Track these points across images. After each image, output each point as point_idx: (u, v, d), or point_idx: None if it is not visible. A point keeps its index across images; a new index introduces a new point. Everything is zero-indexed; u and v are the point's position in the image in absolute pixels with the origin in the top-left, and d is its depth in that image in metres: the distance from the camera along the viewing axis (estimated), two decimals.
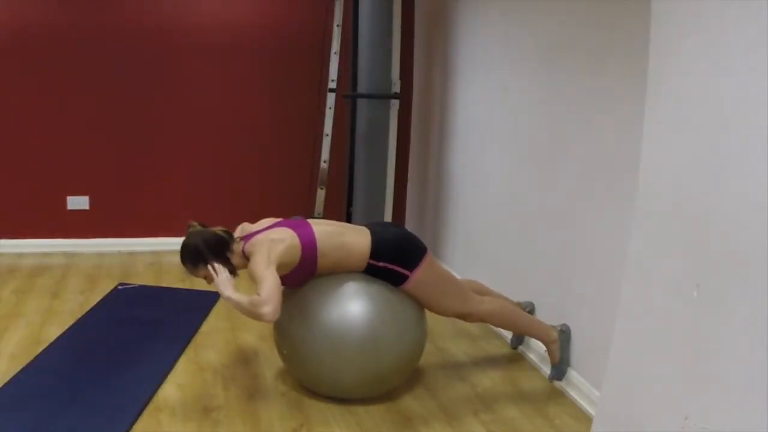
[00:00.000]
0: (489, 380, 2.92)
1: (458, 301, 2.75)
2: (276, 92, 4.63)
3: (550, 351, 2.85)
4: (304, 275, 2.59)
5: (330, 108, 4.22)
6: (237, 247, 2.58)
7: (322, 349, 2.54)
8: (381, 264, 2.59)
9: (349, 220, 4.00)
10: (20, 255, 4.40)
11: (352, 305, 2.55)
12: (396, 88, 4.00)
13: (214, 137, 4.61)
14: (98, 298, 3.65)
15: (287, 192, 4.69)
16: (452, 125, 4.10)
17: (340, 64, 4.21)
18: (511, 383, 2.90)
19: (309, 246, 2.53)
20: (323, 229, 2.60)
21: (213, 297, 3.75)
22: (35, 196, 4.45)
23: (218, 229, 2.59)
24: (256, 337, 3.28)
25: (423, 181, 4.62)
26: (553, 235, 2.97)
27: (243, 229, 2.68)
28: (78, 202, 4.51)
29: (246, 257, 2.53)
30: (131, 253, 4.55)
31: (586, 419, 2.60)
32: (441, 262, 4.14)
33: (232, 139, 4.64)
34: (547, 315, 3.00)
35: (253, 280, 2.44)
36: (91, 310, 3.49)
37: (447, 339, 3.33)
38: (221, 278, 2.47)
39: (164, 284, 3.96)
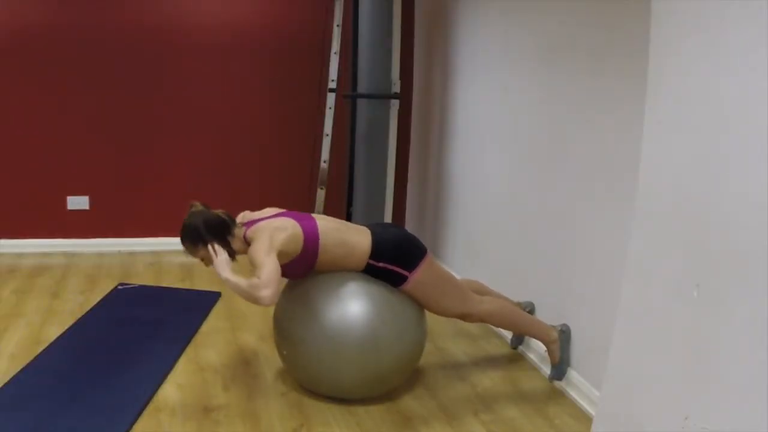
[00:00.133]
0: (489, 380, 2.92)
1: (458, 302, 2.75)
2: (276, 92, 4.63)
3: (550, 351, 2.85)
4: (303, 267, 2.58)
5: (330, 108, 4.22)
6: (238, 231, 2.57)
7: (322, 349, 2.54)
8: (381, 264, 2.59)
9: (349, 220, 4.00)
10: (20, 255, 4.40)
11: (352, 305, 2.55)
12: (396, 88, 4.00)
13: (214, 137, 4.61)
14: (98, 298, 3.65)
15: (287, 192, 4.69)
16: (452, 125, 4.10)
17: (340, 64, 4.21)
18: (511, 383, 2.90)
19: (311, 238, 2.53)
20: (326, 225, 2.60)
21: (213, 297, 3.75)
22: (35, 196, 4.45)
23: (220, 212, 2.58)
24: (256, 337, 3.28)
25: (423, 181, 4.62)
26: (553, 235, 2.97)
27: (244, 216, 2.68)
28: (78, 202, 4.51)
29: (247, 242, 2.53)
30: (131, 253, 4.55)
31: (586, 419, 2.60)
32: (441, 262, 4.14)
33: (232, 139, 4.64)
34: (547, 315, 3.00)
35: (253, 265, 2.43)
36: (91, 310, 3.49)
37: (447, 339, 3.33)
38: (220, 259, 2.47)
39: (164, 284, 3.96)
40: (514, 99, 3.34)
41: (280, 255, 2.44)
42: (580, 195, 2.76)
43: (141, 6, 4.33)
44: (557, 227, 2.94)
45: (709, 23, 1.55)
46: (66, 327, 3.24)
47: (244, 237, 2.55)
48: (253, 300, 2.36)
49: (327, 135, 4.24)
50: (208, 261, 2.56)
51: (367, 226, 2.72)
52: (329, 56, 4.25)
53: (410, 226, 4.80)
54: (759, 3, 1.39)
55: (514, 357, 3.17)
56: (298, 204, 4.71)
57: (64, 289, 3.83)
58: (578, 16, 2.74)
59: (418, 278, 2.63)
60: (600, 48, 2.61)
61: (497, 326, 3.25)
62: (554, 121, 2.96)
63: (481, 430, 2.51)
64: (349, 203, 4.06)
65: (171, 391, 2.72)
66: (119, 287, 3.85)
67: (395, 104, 4.04)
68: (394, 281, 2.62)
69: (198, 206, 2.62)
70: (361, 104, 3.93)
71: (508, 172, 3.41)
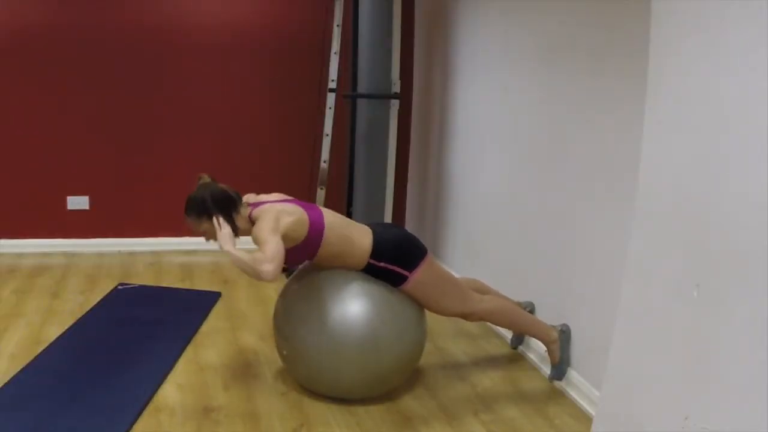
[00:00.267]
0: (489, 380, 2.92)
1: (458, 301, 2.75)
2: (276, 92, 4.63)
3: (550, 351, 2.85)
4: (303, 255, 2.58)
5: (330, 108, 4.22)
6: (244, 210, 2.57)
7: (322, 349, 2.54)
8: (381, 264, 2.59)
9: None
10: (20, 255, 4.40)
11: (352, 305, 2.55)
12: (396, 88, 4.00)
13: (214, 137, 4.61)
14: (98, 298, 3.65)
15: (287, 192, 4.66)
16: (452, 125, 4.10)
17: (340, 64, 4.21)
18: (511, 383, 2.90)
19: (316, 227, 2.53)
20: (332, 218, 2.60)
21: (213, 297, 3.75)
22: (35, 196, 4.45)
23: (228, 188, 2.58)
24: (256, 337, 3.28)
25: (423, 181, 4.62)
26: (553, 235, 2.97)
27: (249, 198, 2.67)
28: (78, 202, 4.51)
29: (251, 222, 2.52)
30: (131, 253, 4.55)
31: (586, 419, 2.60)
32: (441, 262, 4.14)
33: (232, 139, 4.64)
34: (547, 315, 3.00)
35: (257, 243, 2.42)
36: (91, 310, 3.49)
37: (447, 339, 3.33)
38: (224, 232, 2.47)
39: (164, 284, 3.96)
40: (514, 99, 3.34)
41: (284, 239, 2.43)
42: (580, 195, 2.76)
43: (141, 6, 4.33)
44: (557, 227, 2.94)
45: (709, 23, 1.55)
46: (66, 327, 3.24)
47: (250, 216, 2.54)
48: (256, 274, 2.34)
49: (327, 135, 4.24)
50: (210, 235, 2.55)
51: (368, 226, 2.72)
52: (329, 56, 4.24)
53: (410, 226, 4.80)
54: (759, 3, 1.39)
55: (514, 357, 3.17)
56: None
57: (64, 289, 3.83)
58: (578, 16, 2.74)
59: (418, 278, 2.63)
60: (600, 48, 2.61)
61: (497, 325, 3.25)
62: (554, 121, 2.96)
63: (481, 430, 2.51)
64: (349, 203, 4.06)
65: (171, 391, 2.72)
66: (119, 287, 3.85)
67: (395, 104, 4.04)
68: (395, 281, 2.62)
69: (206, 179, 2.62)
70: (361, 104, 3.93)
71: (508, 172, 3.41)
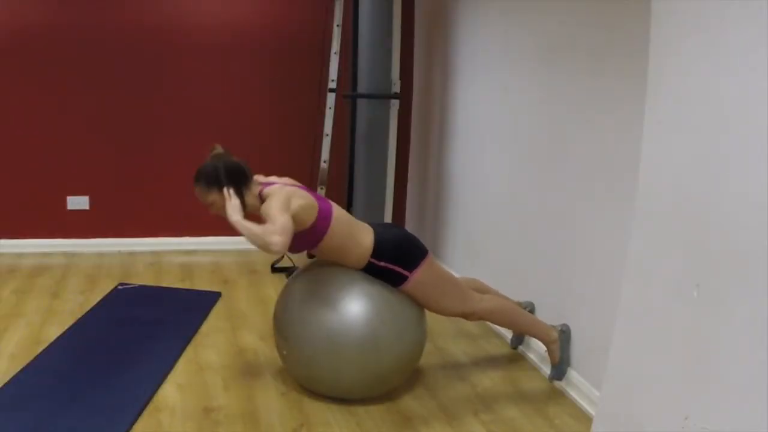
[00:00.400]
0: (489, 380, 2.92)
1: (458, 301, 2.75)
2: (276, 92, 4.63)
3: (550, 351, 2.85)
4: (306, 243, 2.56)
5: (330, 108, 4.22)
6: (254, 187, 2.56)
7: (322, 349, 2.54)
8: (382, 264, 2.59)
9: None
10: (20, 255, 4.40)
11: (352, 305, 2.55)
12: (396, 88, 4.00)
13: (214, 137, 4.57)
14: (98, 298, 3.65)
15: None
16: (452, 125, 4.10)
17: (340, 64, 4.21)
18: (511, 383, 2.90)
19: (324, 216, 2.53)
20: (339, 212, 2.61)
21: (213, 297, 3.75)
22: (35, 196, 4.45)
23: (241, 161, 2.57)
24: (256, 337, 3.28)
25: (423, 181, 4.62)
26: (553, 235, 2.97)
27: (257, 179, 2.66)
28: (78, 202, 4.51)
29: (261, 200, 2.51)
30: (131, 253, 4.55)
31: (586, 419, 2.60)
32: (441, 262, 4.14)
33: (232, 139, 4.61)
34: (547, 315, 3.00)
35: (267, 219, 2.41)
36: (91, 310, 3.49)
37: (447, 339, 3.33)
38: (233, 203, 2.46)
39: (164, 284, 3.96)
40: (514, 99, 3.34)
41: (292, 221, 2.42)
42: (581, 195, 2.76)
43: (141, 6, 4.33)
44: (557, 227, 2.94)
45: (709, 23, 1.55)
46: (66, 327, 3.24)
47: (260, 194, 2.53)
48: (264, 244, 2.33)
49: (327, 135, 4.24)
50: (216, 207, 2.55)
51: (369, 225, 2.72)
52: (329, 56, 4.25)
53: (410, 226, 4.80)
54: (759, 3, 1.39)
55: (514, 357, 3.17)
56: None
57: (64, 289, 3.83)
58: (578, 16, 2.74)
59: (418, 278, 2.63)
60: (600, 48, 2.61)
61: (497, 325, 3.25)
62: (554, 121, 2.96)
63: (481, 430, 2.51)
64: (349, 203, 4.06)
65: (171, 391, 2.72)
66: (119, 287, 3.85)
67: (395, 104, 4.04)
68: (395, 281, 2.62)
69: (219, 149, 2.61)
70: (361, 104, 3.93)
71: (508, 172, 3.41)
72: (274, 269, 4.26)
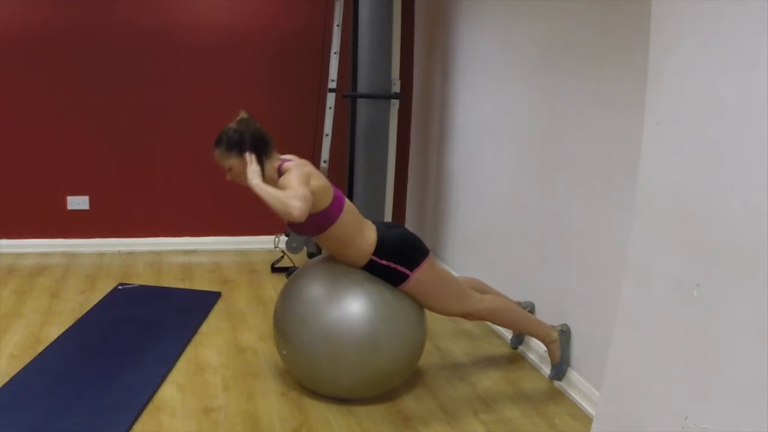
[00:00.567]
0: (489, 380, 2.92)
1: (458, 301, 2.75)
2: (276, 92, 4.63)
3: (550, 351, 2.85)
4: (315, 227, 2.55)
5: (330, 108, 4.22)
6: (274, 159, 2.58)
7: (322, 350, 2.54)
8: (384, 262, 2.59)
9: None
10: (20, 255, 4.40)
11: (352, 305, 2.55)
12: (396, 88, 4.00)
13: (214, 137, 4.60)
14: (98, 298, 3.65)
15: None
16: (452, 125, 4.10)
17: (340, 64, 4.21)
18: (511, 383, 2.90)
19: (337, 204, 2.55)
20: (350, 204, 2.62)
21: (213, 297, 3.75)
22: (35, 196, 4.45)
23: (264, 131, 2.58)
24: (256, 337, 3.28)
25: (423, 181, 4.62)
26: (553, 235, 2.97)
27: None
28: (78, 202, 4.51)
29: (279, 174, 2.51)
30: (131, 253, 4.55)
31: (586, 419, 2.60)
32: (441, 262, 4.15)
33: None
34: (547, 315, 3.00)
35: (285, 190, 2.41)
36: (91, 310, 3.49)
37: (447, 339, 3.33)
38: (253, 167, 2.46)
39: (164, 284, 3.96)
40: (514, 99, 3.34)
41: None
42: (580, 195, 2.76)
43: (141, 6, 4.33)
44: (557, 227, 2.94)
45: (709, 23, 1.55)
46: (66, 327, 3.25)
47: (279, 168, 2.53)
48: (284, 208, 2.32)
49: (327, 135, 4.24)
50: (234, 172, 2.55)
51: (372, 223, 2.73)
52: (329, 56, 4.25)
53: (410, 226, 4.80)
54: (759, 3, 1.39)
55: (514, 357, 3.17)
56: None
57: (64, 289, 3.84)
58: (578, 16, 2.74)
59: (419, 277, 2.63)
60: (599, 48, 2.61)
61: (497, 324, 3.25)
62: (554, 121, 2.96)
63: (481, 430, 2.51)
64: None
65: (171, 391, 2.72)
66: (119, 287, 3.85)
67: (395, 104, 4.04)
68: (395, 280, 2.62)
69: (244, 115, 2.61)
70: (361, 104, 3.93)
71: (508, 172, 3.41)
72: (274, 269, 4.26)
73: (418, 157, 4.73)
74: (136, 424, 2.45)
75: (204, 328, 3.37)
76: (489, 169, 3.63)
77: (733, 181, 1.48)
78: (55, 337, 3.13)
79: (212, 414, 2.56)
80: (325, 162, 4.25)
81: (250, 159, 2.48)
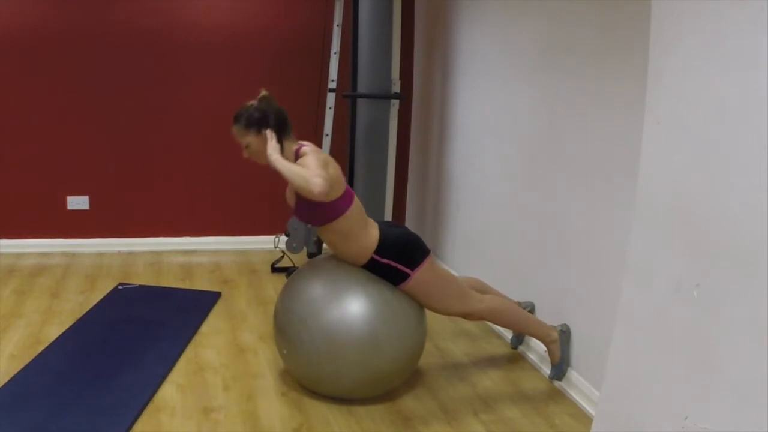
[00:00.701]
0: (489, 380, 2.92)
1: (458, 301, 2.75)
2: (276, 92, 4.58)
3: (550, 351, 2.85)
4: (323, 216, 2.55)
5: (330, 108, 4.22)
6: (291, 142, 2.59)
7: (322, 349, 2.54)
8: (385, 260, 2.60)
9: None
10: (20, 255, 4.40)
11: (352, 305, 2.55)
12: (396, 88, 4.00)
13: (214, 137, 4.61)
14: (98, 298, 3.65)
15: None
16: (452, 125, 4.10)
17: (340, 64, 4.21)
18: (511, 383, 2.90)
19: (348, 196, 2.56)
20: (357, 200, 2.62)
21: (213, 297, 3.75)
22: (35, 196, 4.45)
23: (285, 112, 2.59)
24: (256, 337, 3.28)
25: (423, 181, 4.62)
26: (553, 235, 2.97)
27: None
28: (78, 202, 4.51)
29: (297, 157, 2.52)
30: (131, 253, 4.55)
31: (586, 419, 2.60)
32: (441, 262, 4.15)
33: (232, 139, 4.63)
34: (547, 315, 3.00)
35: None
36: (91, 310, 3.49)
37: (447, 339, 3.33)
38: (273, 143, 2.48)
39: (164, 284, 3.96)
40: (513, 99, 3.34)
41: None
42: (580, 195, 2.76)
43: (141, 6, 4.33)
44: (557, 227, 2.94)
45: (709, 23, 1.55)
46: (66, 327, 3.25)
47: (297, 152, 2.54)
48: (306, 183, 2.34)
49: (327, 135, 4.24)
50: (251, 149, 2.57)
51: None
52: (329, 56, 4.25)
53: (410, 226, 4.79)
54: (759, 3, 1.39)
55: (514, 357, 3.17)
56: None
57: (64, 289, 3.83)
58: (578, 16, 2.74)
59: (419, 277, 2.63)
60: (599, 48, 2.61)
61: (497, 324, 3.25)
62: (554, 121, 2.96)
63: (481, 430, 2.51)
64: None
65: (171, 391, 2.72)
66: (119, 287, 3.85)
67: (395, 104, 4.04)
68: (396, 279, 2.62)
69: (267, 93, 2.62)
70: (361, 104, 3.93)
71: (508, 172, 3.41)
72: (274, 269, 4.26)
73: (418, 157, 4.73)
74: (136, 424, 2.45)
75: (204, 328, 3.37)
76: (489, 169, 3.63)
77: (733, 181, 1.48)
78: (55, 337, 3.13)
79: (212, 414, 2.56)
80: None
81: (271, 135, 2.49)
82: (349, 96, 3.98)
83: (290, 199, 2.70)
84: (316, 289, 2.62)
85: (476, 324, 3.44)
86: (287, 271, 4.21)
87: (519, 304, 3.10)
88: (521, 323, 2.91)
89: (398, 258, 2.61)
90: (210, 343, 3.19)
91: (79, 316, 3.40)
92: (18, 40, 4.22)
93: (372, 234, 2.61)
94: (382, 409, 2.64)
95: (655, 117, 1.75)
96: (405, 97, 4.49)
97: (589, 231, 2.71)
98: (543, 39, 3.04)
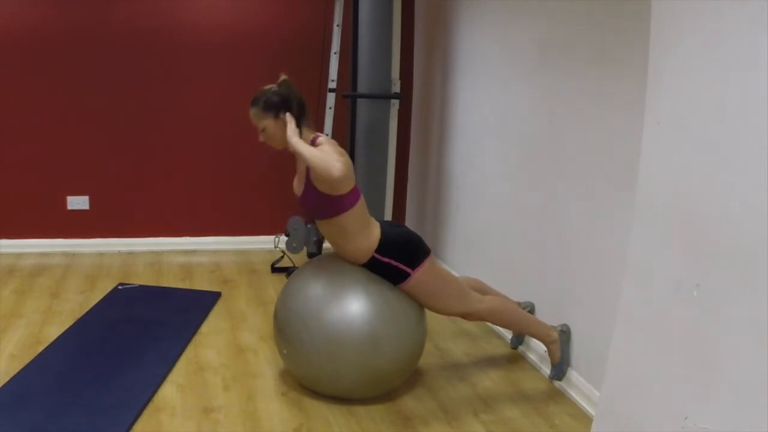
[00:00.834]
0: (489, 380, 2.92)
1: (458, 301, 2.75)
2: None
3: (550, 351, 2.85)
4: (329, 210, 2.55)
5: (330, 108, 4.22)
6: (309, 131, 2.58)
7: (322, 349, 2.54)
8: (385, 259, 2.59)
9: None
10: (20, 255, 4.40)
11: (352, 305, 2.55)
12: (396, 88, 4.00)
13: (214, 137, 4.61)
14: (98, 298, 3.65)
15: (288, 191, 4.67)
16: (452, 125, 4.10)
17: (340, 64, 4.21)
18: (511, 383, 2.90)
19: (355, 192, 2.55)
20: (363, 200, 2.62)
21: (213, 297, 3.75)
22: (35, 196, 4.45)
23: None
24: (256, 337, 3.28)
25: (423, 181, 4.62)
26: (553, 235, 2.97)
27: None
28: (78, 202, 4.51)
29: (313, 146, 2.51)
30: (131, 253, 4.55)
31: (586, 419, 2.60)
32: (441, 262, 4.15)
33: (232, 139, 4.64)
34: (547, 315, 3.00)
35: None
36: (91, 310, 3.49)
37: (447, 339, 3.33)
38: (292, 127, 2.47)
39: (164, 284, 3.96)
40: (514, 99, 3.34)
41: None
42: (580, 195, 2.76)
43: (141, 6, 4.33)
44: (557, 227, 2.94)
45: (709, 23, 1.55)
46: (66, 327, 3.25)
47: (313, 141, 2.53)
48: (325, 166, 2.33)
49: (327, 135, 4.23)
50: (268, 133, 2.56)
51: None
52: (329, 56, 4.25)
53: (410, 226, 4.78)
54: (759, 3, 1.39)
55: (514, 357, 3.17)
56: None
57: (64, 289, 3.83)
58: (578, 16, 2.74)
59: (419, 277, 2.63)
60: (599, 48, 2.61)
61: (497, 325, 3.25)
62: (554, 121, 2.96)
63: (481, 430, 2.51)
64: None
65: (171, 391, 2.72)
66: (119, 287, 3.85)
67: (395, 104, 4.04)
68: (396, 278, 2.62)
69: (287, 78, 2.60)
70: (361, 104, 3.93)
71: (508, 172, 3.41)
72: (274, 269, 4.26)
73: (418, 157, 4.73)
74: (136, 424, 2.45)
75: (204, 328, 3.37)
76: (489, 169, 3.63)
77: (733, 181, 1.49)
78: (55, 337, 3.13)
79: (212, 414, 2.56)
80: None
81: (290, 119, 2.48)
82: (349, 96, 3.98)
83: (297, 189, 2.68)
84: (316, 289, 2.62)
85: (476, 324, 3.44)
86: (287, 271, 4.21)
87: (519, 304, 3.10)
88: (521, 323, 2.91)
89: (399, 257, 2.61)
90: (210, 343, 3.19)
91: (79, 316, 3.40)
92: (18, 40, 4.22)
93: (374, 233, 2.61)
94: (382, 409, 2.64)
95: (655, 117, 1.75)
96: (405, 97, 4.49)
97: (589, 231, 2.71)
98: (543, 39, 3.04)
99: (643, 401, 1.77)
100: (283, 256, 4.25)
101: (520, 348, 3.21)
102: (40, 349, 3.00)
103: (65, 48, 4.28)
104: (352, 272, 2.63)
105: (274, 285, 4.01)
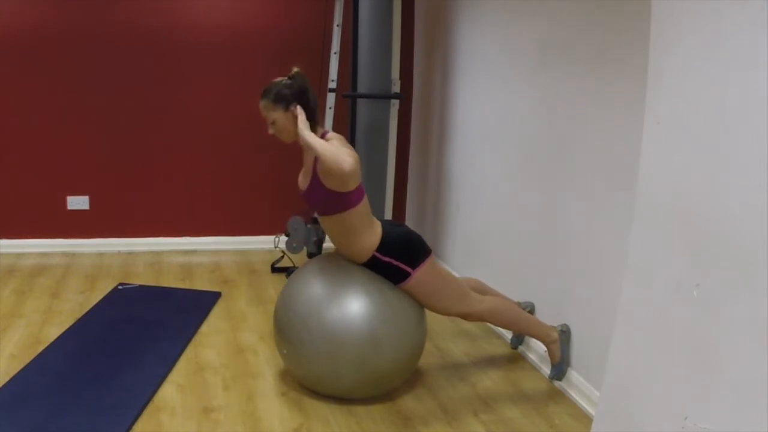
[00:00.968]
0: (489, 380, 2.92)
1: (458, 301, 2.75)
2: None
3: (550, 351, 2.85)
4: (334, 206, 2.54)
5: (330, 108, 4.22)
6: (318, 127, 2.58)
7: (322, 349, 2.54)
8: (386, 258, 2.60)
9: None
10: (20, 255, 4.40)
11: (352, 305, 2.55)
12: (396, 88, 4.00)
13: (214, 137, 4.61)
14: (98, 298, 3.65)
15: (288, 191, 4.68)
16: (452, 125, 4.10)
17: (340, 64, 4.21)
18: (511, 383, 2.90)
19: (360, 190, 2.55)
20: (366, 199, 2.62)
21: (213, 297, 3.75)
22: (35, 196, 4.45)
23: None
24: (256, 337, 3.28)
25: (423, 181, 4.62)
26: (553, 236, 2.97)
27: None
28: (78, 202, 4.51)
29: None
30: (131, 253, 4.55)
31: (586, 419, 2.60)
32: (441, 262, 4.15)
33: (232, 139, 4.64)
34: (547, 315, 3.00)
35: None
36: (91, 310, 3.49)
37: (447, 339, 3.33)
38: (303, 119, 2.46)
39: (164, 284, 3.96)
40: (514, 99, 3.34)
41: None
42: (580, 195, 2.76)
43: (141, 6, 4.33)
44: (557, 227, 2.94)
45: (709, 23, 1.55)
46: (66, 327, 3.25)
47: (323, 136, 2.52)
48: (336, 159, 2.33)
49: None
50: (278, 126, 2.54)
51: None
52: (329, 56, 4.25)
53: (410, 226, 4.76)
54: (759, 3, 1.39)
55: (514, 357, 3.17)
56: (299, 203, 4.71)
57: (64, 289, 3.84)
58: (578, 16, 2.74)
59: (420, 276, 2.63)
60: (599, 48, 2.61)
61: (497, 325, 3.25)
62: (554, 121, 2.96)
63: (481, 430, 2.51)
64: None
65: (171, 391, 2.72)
66: (119, 287, 3.85)
67: (395, 104, 4.04)
68: (396, 278, 2.62)
69: (299, 70, 2.58)
70: (361, 104, 3.93)
71: (508, 172, 3.41)
72: (274, 269, 4.26)
73: (418, 157, 4.73)
74: (136, 424, 2.45)
75: (204, 328, 3.37)
76: (489, 169, 3.63)
77: (733, 181, 1.48)
78: (55, 337, 3.13)
79: (212, 414, 2.56)
80: None
81: (300, 111, 2.47)
82: (349, 96, 3.98)
83: (303, 183, 2.66)
84: (316, 289, 2.62)
85: (476, 324, 3.44)
86: (287, 271, 4.21)
87: (519, 304, 3.10)
88: (521, 324, 2.91)
89: (400, 256, 2.61)
90: (210, 343, 3.19)
91: (79, 316, 3.40)
92: (18, 40, 4.22)
93: (375, 232, 2.61)
94: (382, 409, 2.64)
95: (655, 117, 1.75)
96: (405, 97, 4.49)
97: (589, 231, 2.71)
98: (543, 39, 3.04)
99: (643, 401, 1.77)
100: (283, 256, 4.25)
101: (520, 348, 3.21)
102: (40, 349, 3.00)
103: (65, 48, 4.28)
104: (352, 272, 2.63)
105: (274, 285, 4.01)
